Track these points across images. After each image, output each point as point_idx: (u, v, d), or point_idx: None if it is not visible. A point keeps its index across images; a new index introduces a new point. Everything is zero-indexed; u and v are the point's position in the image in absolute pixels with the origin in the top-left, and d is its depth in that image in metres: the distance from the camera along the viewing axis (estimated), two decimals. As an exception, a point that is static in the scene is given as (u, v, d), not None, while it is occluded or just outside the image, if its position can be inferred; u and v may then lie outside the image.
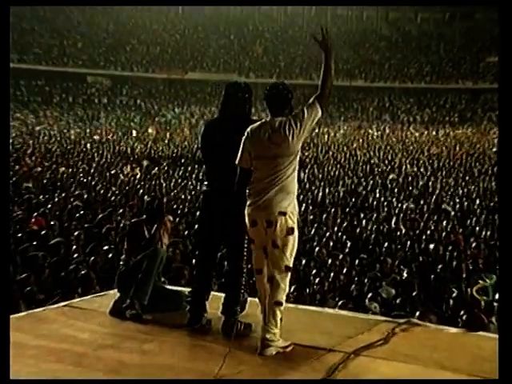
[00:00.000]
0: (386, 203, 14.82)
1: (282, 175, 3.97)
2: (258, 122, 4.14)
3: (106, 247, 9.01)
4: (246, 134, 4.11)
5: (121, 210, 12.01)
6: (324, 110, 4.02)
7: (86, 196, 13.72)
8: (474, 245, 10.39)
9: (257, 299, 4.20)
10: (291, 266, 4.06)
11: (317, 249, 9.81)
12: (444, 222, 12.70)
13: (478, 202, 14.98)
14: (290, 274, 4.07)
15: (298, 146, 4.01)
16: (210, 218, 4.57)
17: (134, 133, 32.59)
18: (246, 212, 4.08)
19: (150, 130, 33.74)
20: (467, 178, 19.20)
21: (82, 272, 7.61)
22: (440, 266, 9.07)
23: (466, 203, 14.89)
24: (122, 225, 10.63)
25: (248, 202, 4.06)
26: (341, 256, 9.41)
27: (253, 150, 4.06)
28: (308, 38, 57.25)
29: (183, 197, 14.56)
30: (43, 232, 9.71)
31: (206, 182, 4.68)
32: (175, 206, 12.96)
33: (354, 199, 15.08)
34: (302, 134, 4.00)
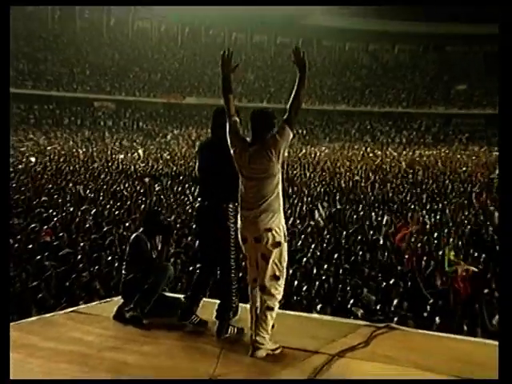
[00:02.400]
0: (366, 216, 14.77)
1: (266, 194, 3.99)
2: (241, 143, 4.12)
3: (109, 258, 9.01)
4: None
5: (126, 224, 11.95)
6: (293, 130, 4.03)
7: (93, 211, 13.63)
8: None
9: (248, 305, 4.19)
10: (281, 274, 4.05)
11: (304, 259, 9.79)
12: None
13: (449, 215, 14.97)
14: (281, 281, 4.06)
15: (277, 167, 4.01)
16: (203, 231, 4.63)
17: (141, 152, 32.17)
18: (238, 227, 4.12)
19: (140, 152, 32.69)
20: (441, 194, 19.19)
21: (86, 279, 7.61)
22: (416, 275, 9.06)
23: (438, 217, 14.88)
24: (124, 237, 10.58)
25: (239, 217, 4.11)
26: (325, 266, 9.41)
27: (239, 168, 4.08)
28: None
29: (182, 211, 14.50)
30: (55, 243, 9.72)
31: (199, 199, 4.70)
32: (174, 220, 12.90)
33: (337, 214, 15.03)
34: (279, 157, 3.99)
